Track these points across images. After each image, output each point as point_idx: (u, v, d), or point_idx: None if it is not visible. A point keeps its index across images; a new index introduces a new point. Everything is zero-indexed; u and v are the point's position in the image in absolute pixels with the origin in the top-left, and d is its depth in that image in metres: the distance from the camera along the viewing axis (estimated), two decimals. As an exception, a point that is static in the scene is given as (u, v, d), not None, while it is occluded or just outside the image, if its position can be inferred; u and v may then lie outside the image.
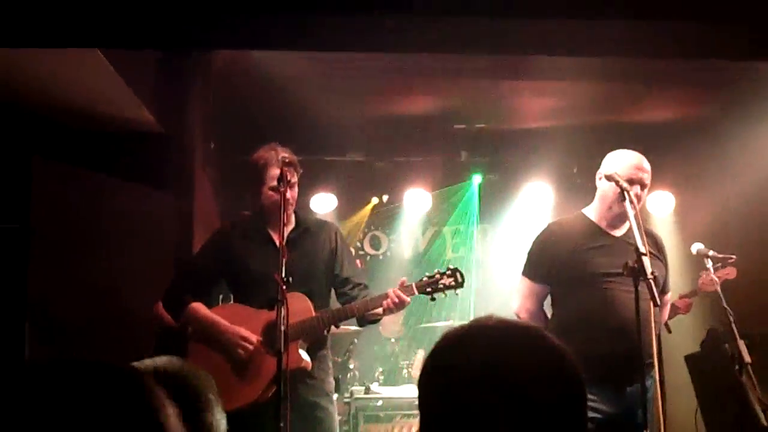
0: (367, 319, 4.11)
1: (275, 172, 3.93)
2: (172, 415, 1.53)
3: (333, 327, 4.26)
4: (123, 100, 4.86)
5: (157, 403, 1.51)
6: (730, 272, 5.31)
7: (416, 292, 3.99)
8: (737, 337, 4.36)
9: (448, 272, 4.06)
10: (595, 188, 4.02)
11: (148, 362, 1.75)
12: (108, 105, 4.93)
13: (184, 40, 3.56)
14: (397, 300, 3.90)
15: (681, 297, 5.62)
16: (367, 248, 8.06)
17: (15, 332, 4.62)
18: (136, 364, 1.74)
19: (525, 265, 4.04)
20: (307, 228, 4.14)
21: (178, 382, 1.68)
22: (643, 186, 3.84)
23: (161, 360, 1.77)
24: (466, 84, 6.17)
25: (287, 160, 3.98)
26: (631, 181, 3.78)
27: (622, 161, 3.88)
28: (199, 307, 4.02)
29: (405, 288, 3.96)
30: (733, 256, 5.23)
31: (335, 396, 4.30)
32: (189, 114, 5.78)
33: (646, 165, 3.88)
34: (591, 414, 3.63)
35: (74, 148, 5.10)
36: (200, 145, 6.17)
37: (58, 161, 4.96)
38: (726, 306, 4.50)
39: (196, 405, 1.68)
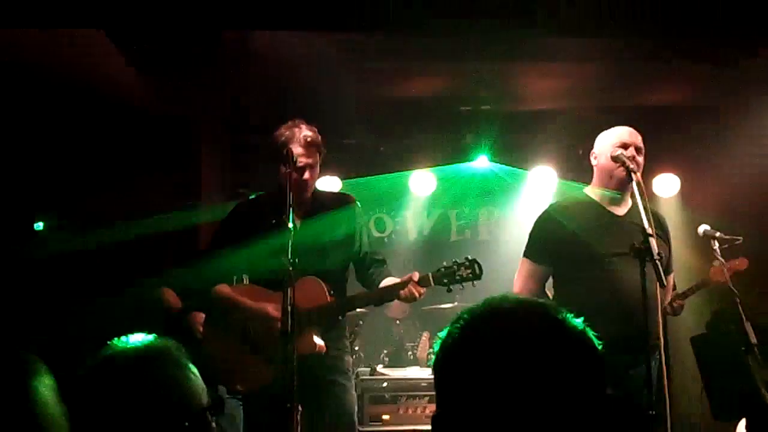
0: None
1: (297, 150, 3.84)
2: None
3: None
4: (129, 79, 4.85)
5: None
6: (741, 263, 5.24)
7: (432, 284, 3.87)
8: (744, 318, 4.36)
9: (466, 263, 3.91)
10: (598, 169, 4.03)
11: (120, 342, 1.80)
12: (113, 85, 4.93)
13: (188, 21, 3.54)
14: (415, 294, 3.80)
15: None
16: (372, 230, 8.04)
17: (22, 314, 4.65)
18: (110, 343, 1.80)
19: (526, 245, 4.03)
20: (323, 204, 4.01)
21: (152, 359, 1.76)
22: (638, 149, 3.89)
23: (134, 337, 1.81)
24: (472, 66, 6.13)
25: (309, 140, 3.89)
26: (625, 146, 3.86)
27: (613, 133, 3.97)
28: (223, 287, 3.98)
29: (422, 279, 3.84)
30: (740, 238, 5.21)
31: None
32: (196, 93, 5.76)
33: (636, 133, 3.96)
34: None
35: (80, 127, 5.10)
36: (208, 123, 6.15)
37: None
38: (732, 288, 4.50)
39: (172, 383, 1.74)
